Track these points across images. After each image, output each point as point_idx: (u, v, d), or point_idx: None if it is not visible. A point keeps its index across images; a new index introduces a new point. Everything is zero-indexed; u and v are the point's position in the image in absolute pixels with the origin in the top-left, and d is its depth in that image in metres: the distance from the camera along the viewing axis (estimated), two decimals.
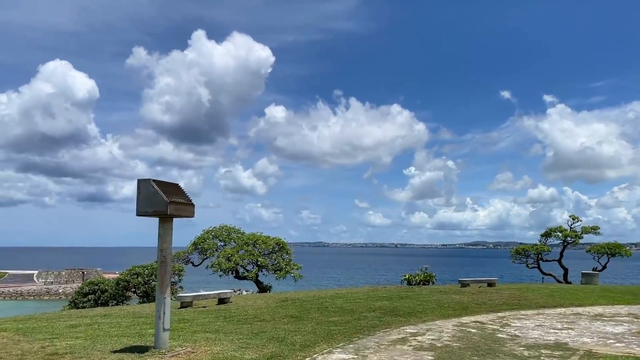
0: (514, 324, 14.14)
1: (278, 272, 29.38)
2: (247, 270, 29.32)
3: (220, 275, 28.81)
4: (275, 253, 30.27)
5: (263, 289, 29.46)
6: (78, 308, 23.87)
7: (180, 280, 27.04)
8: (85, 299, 24.12)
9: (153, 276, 25.02)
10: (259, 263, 28.99)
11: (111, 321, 13.67)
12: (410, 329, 12.92)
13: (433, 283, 28.43)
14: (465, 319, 14.96)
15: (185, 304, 16.64)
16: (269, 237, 31.06)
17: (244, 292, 41.95)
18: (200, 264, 30.28)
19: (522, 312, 17.10)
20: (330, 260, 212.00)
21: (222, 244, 30.46)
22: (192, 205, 9.99)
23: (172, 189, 9.75)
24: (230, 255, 28.12)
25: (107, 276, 48.26)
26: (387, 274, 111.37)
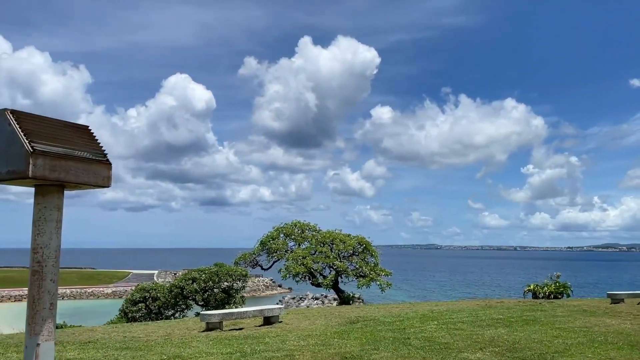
0: None
1: (360, 279, 24.02)
2: (324, 276, 24.32)
3: (297, 281, 24.16)
4: (356, 255, 24.96)
5: (345, 299, 24.28)
6: (128, 319, 20.46)
7: (243, 287, 22.73)
8: (136, 308, 20.73)
9: (210, 282, 20.98)
10: (335, 267, 23.86)
11: (82, 357, 9.33)
12: None
13: (568, 296, 21.47)
14: None
15: (211, 326, 11.99)
16: (349, 235, 25.75)
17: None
18: (270, 267, 25.85)
19: None
20: (440, 264, 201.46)
21: (293, 243, 25.81)
22: (104, 163, 4.83)
23: (63, 132, 4.76)
24: (301, 257, 23.31)
25: None
26: (505, 281, 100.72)
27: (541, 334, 11.42)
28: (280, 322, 13.36)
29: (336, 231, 25.82)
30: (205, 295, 21.78)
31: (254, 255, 24.98)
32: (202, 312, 12.03)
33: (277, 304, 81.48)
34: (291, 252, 24.62)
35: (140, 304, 20.63)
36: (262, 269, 25.78)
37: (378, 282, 23.83)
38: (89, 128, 5.23)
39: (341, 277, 24.43)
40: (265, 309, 13.12)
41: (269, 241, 24.86)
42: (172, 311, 21.84)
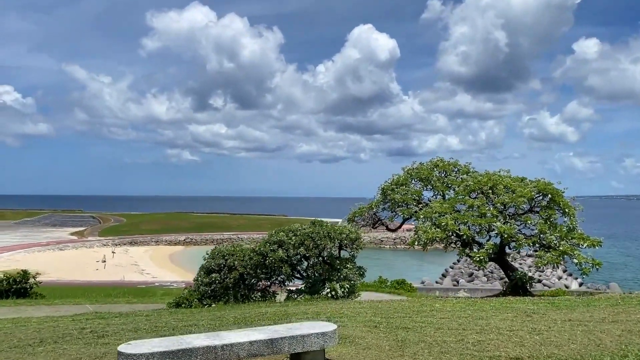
0: None
1: (542, 252, 14.63)
2: (479, 244, 15.45)
3: (445, 249, 15.92)
4: (535, 212, 15.54)
5: (517, 282, 15.20)
6: (201, 295, 15.00)
7: (353, 257, 15.26)
8: (208, 280, 15.17)
9: (302, 248, 14.22)
10: (495, 231, 14.69)
11: None
12: None
13: None
14: None
15: None
16: (523, 180, 16.03)
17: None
18: (399, 227, 17.84)
19: None
20: None
21: (432, 193, 17.25)
22: None
23: None
24: (437, 214, 14.77)
25: None
26: None
27: None
28: None
29: (501, 173, 16.44)
30: (305, 265, 15.24)
31: (373, 210, 17.15)
32: (122, 348, 5.26)
33: (455, 264, 71.85)
34: (425, 205, 16.25)
35: (214, 275, 15.01)
36: (388, 229, 18.01)
37: (575, 259, 14.22)
38: None
39: (509, 248, 15.39)
40: (282, 337, 5.84)
41: (393, 189, 16.68)
42: (278, 278, 15.59)
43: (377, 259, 75.63)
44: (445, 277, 60.00)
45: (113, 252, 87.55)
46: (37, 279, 31.47)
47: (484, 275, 58.27)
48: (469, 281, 55.90)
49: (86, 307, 19.29)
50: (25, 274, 31.38)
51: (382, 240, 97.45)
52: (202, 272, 15.55)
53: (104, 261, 77.35)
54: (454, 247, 15.64)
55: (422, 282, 50.11)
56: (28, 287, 31.03)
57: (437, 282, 55.14)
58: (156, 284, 57.65)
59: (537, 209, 15.34)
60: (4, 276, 31.56)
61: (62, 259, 79.65)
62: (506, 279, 18.01)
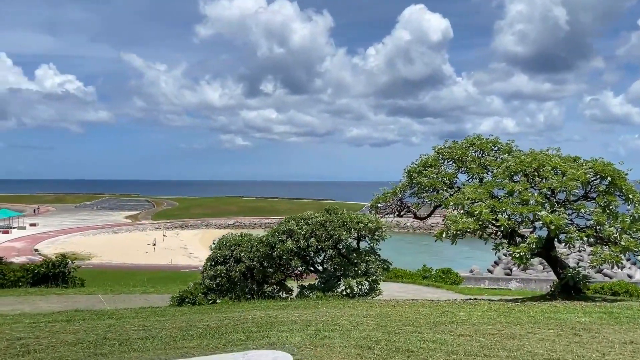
0: None
1: (599, 246, 12.08)
2: (522, 237, 13.08)
3: (484, 240, 13.69)
4: (590, 198, 12.95)
5: (567, 282, 12.73)
6: (206, 289, 13.58)
7: (372, 249, 13.32)
8: (213, 272, 13.73)
9: (313, 239, 12.49)
10: (540, 220, 12.14)
11: None
12: None
13: None
14: None
15: None
16: (576, 160, 13.45)
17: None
18: (429, 214, 15.59)
19: None
20: None
21: (467, 176, 14.85)
22: None
23: None
24: (470, 200, 12.48)
25: None
26: None
27: None
28: None
29: (546, 151, 13.85)
30: (321, 257, 13.52)
31: (398, 196, 14.98)
32: None
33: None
34: (457, 190, 14.01)
35: (219, 267, 13.57)
36: (416, 217, 15.83)
37: (638, 253, 11.73)
38: None
39: (558, 240, 12.94)
40: None
41: (420, 171, 14.44)
42: (283, 276, 14.15)
43: (425, 244, 73.06)
44: (497, 265, 56.84)
45: (164, 236, 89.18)
46: (75, 264, 31.41)
47: (540, 264, 54.66)
48: (522, 270, 52.59)
49: (98, 298, 18.55)
50: (64, 258, 31.31)
51: (432, 226, 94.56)
52: (208, 264, 14.16)
53: (154, 244, 78.77)
54: (493, 239, 13.44)
55: (471, 271, 47.48)
56: (66, 271, 30.88)
57: (488, 271, 52.22)
58: (200, 268, 58.01)
59: (594, 195, 12.79)
60: (44, 261, 31.69)
61: (115, 241, 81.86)
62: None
